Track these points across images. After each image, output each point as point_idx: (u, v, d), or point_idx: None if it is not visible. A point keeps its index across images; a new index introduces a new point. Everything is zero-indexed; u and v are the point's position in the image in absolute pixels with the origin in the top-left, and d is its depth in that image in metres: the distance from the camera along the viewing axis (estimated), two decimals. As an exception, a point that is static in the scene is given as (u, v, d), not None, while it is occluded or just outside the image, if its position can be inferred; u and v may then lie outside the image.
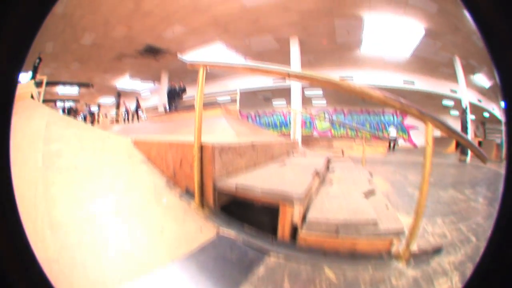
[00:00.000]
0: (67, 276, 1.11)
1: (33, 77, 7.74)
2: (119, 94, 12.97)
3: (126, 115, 11.67)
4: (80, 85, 11.99)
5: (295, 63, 9.70)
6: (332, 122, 17.06)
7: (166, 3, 8.48)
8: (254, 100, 14.19)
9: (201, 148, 2.14)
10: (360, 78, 12.63)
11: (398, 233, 1.82)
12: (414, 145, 20.39)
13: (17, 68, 0.80)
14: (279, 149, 4.51)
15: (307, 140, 13.69)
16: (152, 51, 10.96)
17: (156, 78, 12.84)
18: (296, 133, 9.44)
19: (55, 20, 7.87)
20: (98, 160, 2.29)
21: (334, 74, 12.07)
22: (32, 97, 4.79)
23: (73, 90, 12.13)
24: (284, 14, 8.62)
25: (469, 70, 11.81)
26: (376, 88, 1.83)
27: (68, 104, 11.82)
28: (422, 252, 1.85)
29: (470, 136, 10.04)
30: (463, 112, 9.76)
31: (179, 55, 10.58)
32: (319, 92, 14.18)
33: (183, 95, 10.16)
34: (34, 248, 0.82)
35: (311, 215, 1.84)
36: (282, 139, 6.93)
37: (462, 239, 2.26)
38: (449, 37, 9.77)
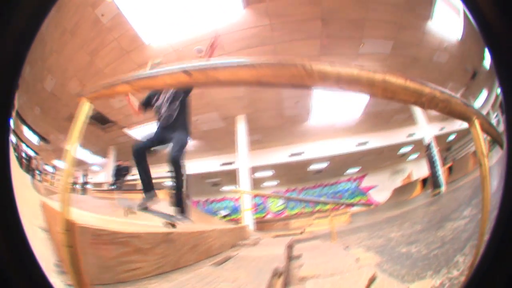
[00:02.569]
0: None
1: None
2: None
3: (74, 184, 10.40)
4: (40, 137, 10.58)
5: (242, 143, 9.06)
6: (287, 201, 16.42)
7: (117, 62, 7.66)
8: (202, 186, 13.41)
9: (72, 230, 1.32)
10: (311, 152, 12.30)
11: None
12: (377, 204, 20.71)
13: (18, 68, 0.80)
14: (221, 239, 3.63)
15: (261, 224, 13.01)
16: (100, 120, 9.91)
17: (104, 153, 11.71)
18: (247, 218, 8.39)
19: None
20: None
21: (284, 151, 11.75)
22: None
23: (33, 138, 10.68)
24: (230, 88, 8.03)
25: None
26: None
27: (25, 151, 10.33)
28: None
29: (439, 168, 9.69)
30: (428, 149, 9.24)
31: (125, 130, 9.70)
32: (269, 173, 13.64)
33: (126, 176, 9.00)
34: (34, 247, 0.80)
35: None
36: (228, 226, 5.99)
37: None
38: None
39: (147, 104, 3.74)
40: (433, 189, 9.70)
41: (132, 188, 8.00)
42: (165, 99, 3.64)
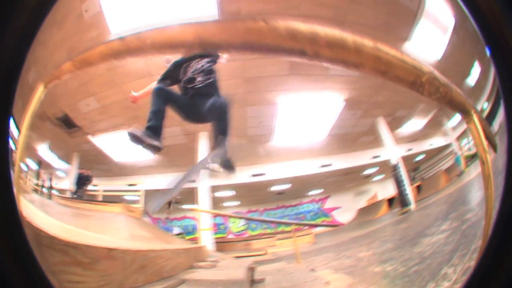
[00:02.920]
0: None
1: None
2: (40, 163, 10.86)
3: (42, 187, 9.68)
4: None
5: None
6: (249, 221, 15.98)
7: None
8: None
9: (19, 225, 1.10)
10: (273, 172, 12.10)
11: None
12: (341, 224, 20.86)
13: (18, 68, 0.78)
14: (174, 260, 3.28)
15: (222, 245, 12.62)
16: (66, 123, 9.24)
17: (69, 159, 10.89)
18: (206, 238, 8.01)
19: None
20: None
21: (245, 172, 11.51)
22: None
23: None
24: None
25: (395, 124, 12.09)
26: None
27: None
28: None
29: (407, 187, 9.58)
30: (395, 169, 9.32)
31: (89, 137, 9.19)
32: (230, 193, 13.28)
33: (87, 185, 8.62)
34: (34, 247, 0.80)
35: None
36: (182, 246, 6.27)
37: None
38: (373, 99, 9.82)
39: (173, 79, 3.53)
40: (401, 207, 9.79)
41: (92, 199, 7.49)
42: (196, 70, 3.46)
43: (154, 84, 3.55)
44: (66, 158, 11.30)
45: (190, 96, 3.45)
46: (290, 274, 3.14)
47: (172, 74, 3.45)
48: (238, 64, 7.30)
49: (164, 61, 6.99)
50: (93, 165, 9.42)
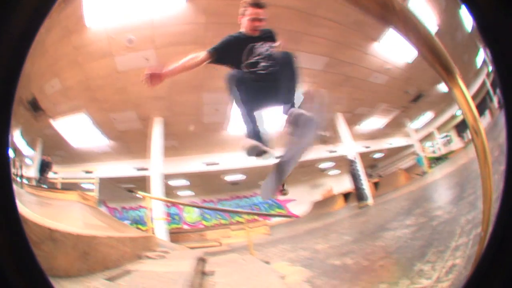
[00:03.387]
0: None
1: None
2: (14, 150, 10.22)
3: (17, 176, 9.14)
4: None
5: (156, 150, 8.36)
6: (203, 211, 15.93)
7: (60, 44, 6.50)
8: (119, 191, 12.20)
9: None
10: (227, 162, 11.90)
11: None
12: (296, 216, 21.16)
13: (18, 68, 0.79)
14: (120, 249, 3.01)
15: (176, 235, 12.44)
16: (34, 106, 8.74)
17: (35, 145, 10.26)
18: (159, 228, 7.76)
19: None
20: None
21: (200, 160, 11.23)
22: None
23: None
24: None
25: (355, 121, 12.25)
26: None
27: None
28: None
29: (364, 182, 9.81)
30: (352, 164, 9.53)
31: (51, 121, 8.69)
32: (185, 182, 12.99)
33: (48, 172, 8.23)
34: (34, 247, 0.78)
35: None
36: (129, 234, 6.03)
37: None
38: (333, 94, 9.78)
39: (232, 59, 3.04)
40: (358, 201, 9.94)
41: (53, 187, 7.55)
42: (262, 53, 3.01)
43: (192, 57, 3.04)
44: (32, 144, 10.71)
45: (258, 81, 3.04)
46: (243, 267, 2.93)
47: (229, 53, 3.01)
48: (201, 47, 7.02)
49: (127, 41, 6.65)
50: (53, 151, 8.91)
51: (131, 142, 9.35)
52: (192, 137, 10.02)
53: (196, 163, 11.33)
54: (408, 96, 13.30)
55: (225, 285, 2.05)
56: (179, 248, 6.75)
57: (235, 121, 9.48)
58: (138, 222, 13.09)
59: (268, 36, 3.04)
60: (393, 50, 8.53)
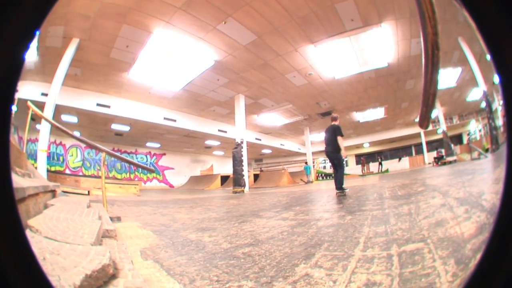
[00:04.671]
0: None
1: None
2: None
3: None
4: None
5: (60, 75, 7.81)
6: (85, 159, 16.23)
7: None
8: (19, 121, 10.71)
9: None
10: (118, 109, 10.92)
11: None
12: (171, 186, 20.76)
13: (18, 68, 0.66)
14: None
15: (54, 175, 12.90)
16: None
17: None
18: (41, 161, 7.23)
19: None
20: None
21: (93, 98, 10.07)
22: None
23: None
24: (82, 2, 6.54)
25: (254, 110, 12.27)
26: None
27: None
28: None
29: (245, 171, 11.08)
30: (237, 147, 11.09)
31: None
32: (75, 119, 11.62)
33: None
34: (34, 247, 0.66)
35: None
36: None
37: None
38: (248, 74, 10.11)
39: None
40: (234, 186, 10.57)
41: None
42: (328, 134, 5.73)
43: None
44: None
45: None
46: (76, 209, 2.48)
47: None
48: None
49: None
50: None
51: (47, 63, 8.01)
52: (94, 69, 8.94)
53: (89, 101, 10.21)
54: (319, 108, 13.56)
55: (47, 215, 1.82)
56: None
57: (139, 67, 8.59)
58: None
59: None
60: (324, 59, 8.57)
